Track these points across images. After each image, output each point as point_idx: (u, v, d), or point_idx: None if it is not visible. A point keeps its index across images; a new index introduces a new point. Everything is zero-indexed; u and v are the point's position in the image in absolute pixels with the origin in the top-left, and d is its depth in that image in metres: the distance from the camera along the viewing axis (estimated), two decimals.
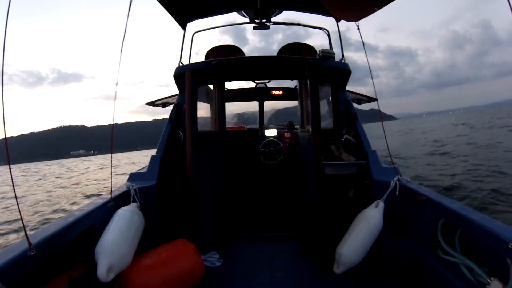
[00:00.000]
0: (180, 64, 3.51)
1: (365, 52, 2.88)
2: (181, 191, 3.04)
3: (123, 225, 2.21)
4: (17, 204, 1.56)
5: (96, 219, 2.19)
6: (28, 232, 1.56)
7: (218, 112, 3.46)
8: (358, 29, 3.00)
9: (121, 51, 2.33)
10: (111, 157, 2.58)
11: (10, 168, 1.53)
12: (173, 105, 3.63)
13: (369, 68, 2.81)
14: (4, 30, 1.29)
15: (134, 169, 3.87)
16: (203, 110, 3.52)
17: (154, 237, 2.66)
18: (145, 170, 3.16)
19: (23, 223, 1.60)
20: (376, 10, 2.83)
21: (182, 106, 3.39)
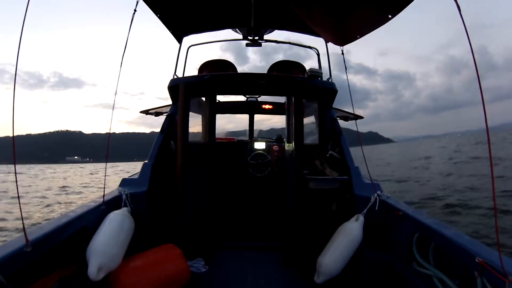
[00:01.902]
0: (175, 76, 3.65)
1: (347, 76, 3.13)
2: (170, 198, 3.12)
3: (114, 228, 2.29)
4: (19, 202, 1.63)
5: (88, 221, 2.27)
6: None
7: (209, 124, 3.58)
8: (342, 53, 3.26)
9: (121, 62, 2.48)
10: (106, 162, 2.70)
11: (15, 166, 1.57)
12: (166, 114, 3.75)
13: (349, 88, 3.07)
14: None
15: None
16: (195, 120, 3.65)
17: (143, 241, 2.73)
18: (137, 176, 3.25)
19: (22, 220, 1.65)
20: (358, 38, 3.06)
21: (175, 116, 3.51)
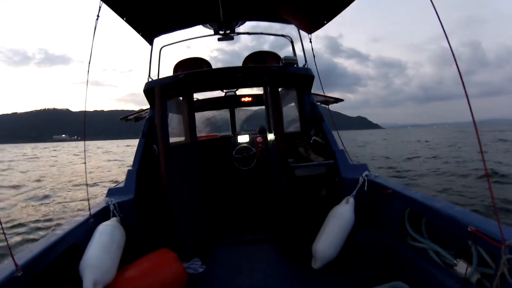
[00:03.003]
0: (149, 79, 3.59)
1: (315, 64, 3.21)
2: (158, 203, 3.10)
3: (105, 240, 2.25)
4: (1, 226, 1.56)
5: (77, 237, 2.22)
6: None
7: (189, 123, 3.56)
8: (310, 41, 3.32)
9: (91, 54, 2.42)
10: (85, 171, 2.64)
11: None
12: (145, 119, 3.69)
13: (317, 72, 3.22)
14: None
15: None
16: (175, 121, 3.62)
17: (136, 249, 2.71)
18: (122, 185, 3.21)
19: (8, 244, 1.61)
20: (325, 24, 3.08)
21: (154, 119, 3.46)
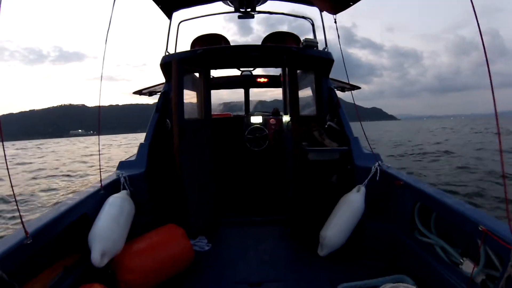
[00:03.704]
0: (167, 53, 3.54)
1: (340, 44, 3.02)
2: (169, 178, 3.10)
3: (114, 212, 2.27)
4: (13, 194, 1.57)
5: (87, 207, 2.24)
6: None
7: (204, 100, 3.52)
8: (335, 22, 3.14)
9: (106, 39, 2.37)
10: (99, 145, 2.67)
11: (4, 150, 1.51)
12: (159, 93, 3.67)
13: (342, 57, 2.97)
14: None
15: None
16: (189, 97, 3.56)
17: (144, 223, 2.73)
18: (134, 158, 3.22)
19: (19, 212, 1.60)
20: (351, 5, 2.94)
21: (169, 94, 3.43)
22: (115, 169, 3.06)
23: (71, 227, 2.05)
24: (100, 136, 2.90)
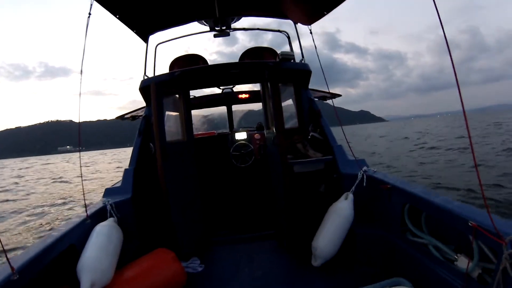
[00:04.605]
0: (145, 77, 3.55)
1: (318, 56, 3.09)
2: (156, 202, 3.08)
3: (102, 241, 2.23)
4: None
5: (74, 238, 2.20)
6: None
7: (185, 121, 3.54)
8: (311, 32, 3.23)
9: (82, 62, 2.37)
10: (81, 176, 2.62)
11: None
12: (141, 117, 3.66)
13: (322, 70, 3.07)
14: None
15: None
16: (171, 119, 3.59)
17: (133, 249, 2.69)
18: (119, 184, 3.18)
19: (3, 247, 1.57)
20: (325, 14, 3.01)
21: (150, 118, 3.43)
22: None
23: (59, 259, 1.99)
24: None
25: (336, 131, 3.39)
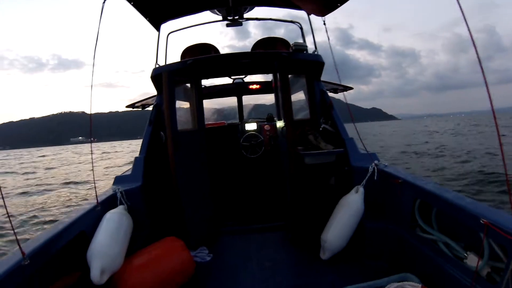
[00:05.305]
0: (157, 65, 3.54)
1: (331, 48, 2.98)
2: (166, 190, 3.09)
3: (112, 228, 2.25)
4: (8, 215, 1.55)
5: (85, 225, 2.22)
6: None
7: (196, 110, 3.53)
8: (324, 23, 3.17)
9: (95, 50, 2.33)
10: (92, 162, 2.63)
11: None
12: (152, 106, 3.66)
13: (334, 59, 3.03)
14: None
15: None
16: (182, 108, 3.58)
17: (143, 237, 2.71)
18: (129, 172, 3.20)
19: (14, 233, 1.59)
20: (339, 6, 2.96)
21: (161, 106, 3.43)
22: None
23: (69, 246, 2.02)
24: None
25: (348, 128, 3.34)
